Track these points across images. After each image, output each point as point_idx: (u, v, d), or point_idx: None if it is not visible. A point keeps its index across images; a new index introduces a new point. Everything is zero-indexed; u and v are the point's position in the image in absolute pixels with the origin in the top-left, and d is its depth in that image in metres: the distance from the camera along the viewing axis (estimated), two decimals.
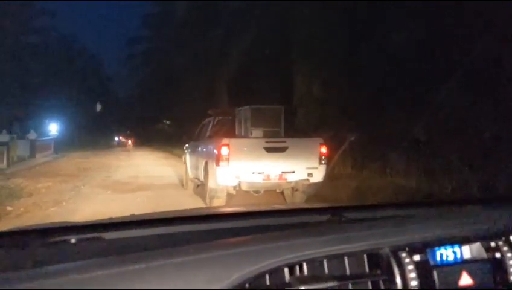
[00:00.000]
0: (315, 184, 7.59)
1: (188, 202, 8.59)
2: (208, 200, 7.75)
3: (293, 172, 7.36)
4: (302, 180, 7.43)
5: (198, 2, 21.44)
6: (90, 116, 37.76)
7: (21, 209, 7.87)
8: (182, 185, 10.50)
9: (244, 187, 7.29)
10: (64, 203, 8.48)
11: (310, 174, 7.40)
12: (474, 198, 4.94)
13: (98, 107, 32.84)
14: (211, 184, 7.60)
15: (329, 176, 8.26)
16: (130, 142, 50.09)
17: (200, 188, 9.01)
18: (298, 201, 7.81)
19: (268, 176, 7.30)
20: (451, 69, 8.32)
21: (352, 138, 9.16)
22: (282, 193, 8.39)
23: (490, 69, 7.90)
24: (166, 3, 29.17)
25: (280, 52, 14.83)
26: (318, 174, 7.47)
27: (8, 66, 23.26)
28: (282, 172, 7.33)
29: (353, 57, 11.86)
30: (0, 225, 6.63)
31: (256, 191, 7.69)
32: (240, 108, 8.81)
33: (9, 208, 7.87)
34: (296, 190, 7.80)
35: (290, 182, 7.46)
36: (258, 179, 7.26)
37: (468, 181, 7.53)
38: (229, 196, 7.66)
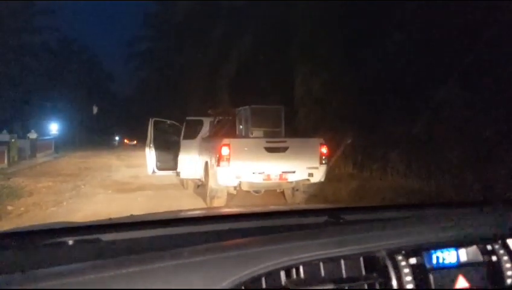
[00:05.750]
0: (315, 184, 7.59)
1: (189, 202, 8.59)
2: (208, 200, 7.75)
3: (294, 172, 7.36)
4: (302, 180, 7.43)
5: (198, 2, 21.43)
6: (90, 116, 37.77)
7: (21, 208, 7.88)
8: (183, 185, 10.50)
9: (244, 187, 7.30)
10: (64, 203, 8.49)
11: (310, 174, 7.40)
12: (471, 200, 4.94)
13: (95, 109, 32.91)
14: (211, 184, 7.60)
15: (330, 177, 8.25)
16: (128, 142, 49.98)
17: (200, 188, 9.03)
18: (299, 201, 7.81)
19: (268, 176, 7.30)
20: (451, 69, 8.32)
21: (349, 141, 9.19)
22: (282, 193, 8.39)
23: (490, 69, 7.89)
24: (166, 3, 29.16)
25: (280, 52, 14.82)
26: (318, 174, 7.47)
27: (9, 65, 23.27)
28: (283, 172, 7.33)
29: (353, 57, 11.84)
30: (0, 224, 6.65)
31: (257, 191, 7.69)
32: (241, 108, 8.82)
33: (9, 208, 7.88)
34: (297, 190, 7.81)
35: (291, 182, 7.46)
36: (259, 179, 7.26)
37: (468, 181, 7.53)
38: (230, 195, 7.67)
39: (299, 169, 7.38)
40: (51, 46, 35.36)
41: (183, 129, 9.36)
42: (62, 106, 34.98)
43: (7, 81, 23.15)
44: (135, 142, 47.37)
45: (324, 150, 7.52)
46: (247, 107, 8.39)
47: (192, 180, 9.52)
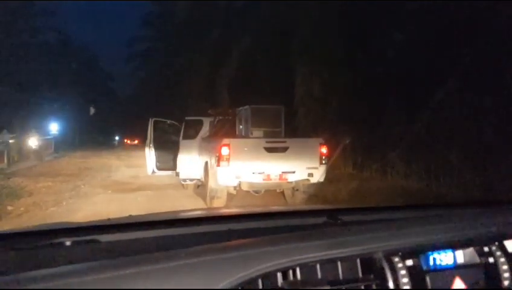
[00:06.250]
0: (315, 184, 7.59)
1: (188, 202, 8.59)
2: (208, 200, 7.75)
3: (294, 172, 7.36)
4: (302, 180, 7.43)
5: (198, 2, 21.42)
6: (91, 116, 37.76)
7: (21, 208, 7.88)
8: (183, 185, 10.50)
9: (244, 187, 7.29)
10: (64, 203, 8.49)
11: (310, 174, 7.40)
12: (468, 201, 4.95)
13: (92, 110, 32.89)
14: (211, 184, 7.60)
15: (330, 177, 8.25)
16: (130, 141, 49.94)
17: (200, 188, 9.03)
18: (298, 201, 7.81)
19: (268, 176, 7.30)
20: (451, 69, 8.31)
21: (347, 142, 9.18)
22: (282, 193, 8.39)
23: (490, 69, 7.88)
24: (166, 3, 29.16)
25: (280, 52, 14.82)
26: (318, 174, 7.46)
27: (9, 65, 23.27)
28: (283, 172, 7.33)
29: (353, 57, 11.85)
30: (0, 224, 6.65)
31: (257, 191, 7.69)
32: (240, 108, 8.82)
33: (9, 208, 7.89)
34: (297, 190, 7.80)
35: (291, 182, 7.46)
36: (259, 179, 7.26)
37: (467, 182, 7.53)
38: (230, 195, 7.66)
39: (299, 169, 7.37)
40: (51, 46, 35.31)
41: (182, 129, 9.34)
42: (62, 105, 34.95)
43: (7, 81, 23.13)
44: (136, 141, 47.29)
45: (324, 150, 7.51)
46: (247, 107, 8.40)
47: (191, 180, 9.47)
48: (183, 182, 9.75)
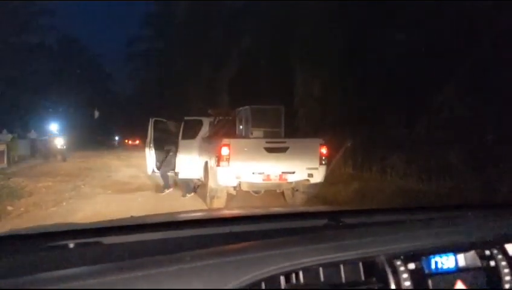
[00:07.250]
0: (315, 184, 7.59)
1: (188, 202, 8.59)
2: (208, 200, 7.75)
3: (294, 172, 7.35)
4: (302, 180, 7.42)
5: (198, 2, 21.43)
6: (91, 116, 37.75)
7: (21, 208, 7.87)
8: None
9: (244, 187, 7.29)
10: (64, 203, 8.48)
11: (310, 175, 7.39)
12: (470, 205, 4.94)
13: (96, 114, 32.82)
14: (211, 184, 7.60)
15: (329, 177, 8.24)
16: (132, 142, 49.91)
17: (200, 188, 9.02)
18: (298, 201, 7.81)
19: (268, 176, 7.29)
20: (451, 71, 8.31)
21: (349, 144, 9.18)
22: (282, 193, 8.39)
23: (490, 71, 7.88)
24: (166, 3, 29.19)
25: (280, 52, 14.82)
26: (318, 175, 7.46)
27: (9, 65, 23.26)
28: (283, 172, 7.32)
29: (353, 57, 11.84)
30: (0, 224, 6.64)
31: (257, 192, 7.69)
32: (240, 108, 8.81)
33: (9, 208, 7.87)
34: (296, 190, 7.80)
35: (291, 183, 7.45)
36: (258, 179, 7.25)
37: (468, 183, 7.52)
38: (229, 196, 7.66)
39: (299, 169, 7.37)
40: (51, 46, 35.39)
41: (181, 129, 9.32)
42: (62, 105, 34.97)
43: (7, 81, 23.13)
44: (138, 142, 47.16)
45: (324, 150, 7.51)
46: (247, 107, 8.39)
47: (185, 180, 9.38)
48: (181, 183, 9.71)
